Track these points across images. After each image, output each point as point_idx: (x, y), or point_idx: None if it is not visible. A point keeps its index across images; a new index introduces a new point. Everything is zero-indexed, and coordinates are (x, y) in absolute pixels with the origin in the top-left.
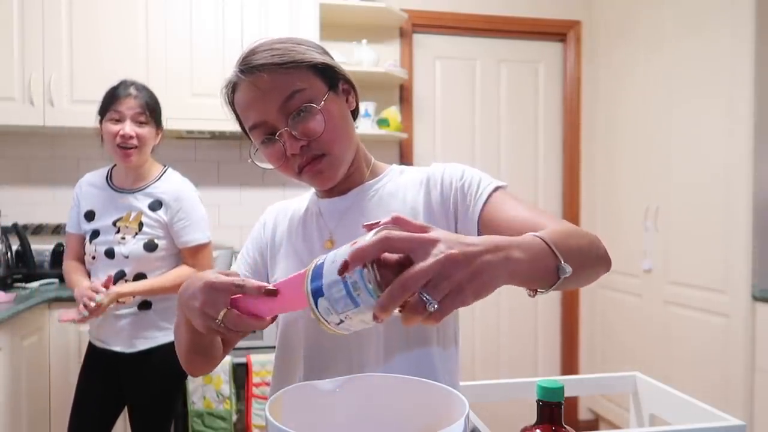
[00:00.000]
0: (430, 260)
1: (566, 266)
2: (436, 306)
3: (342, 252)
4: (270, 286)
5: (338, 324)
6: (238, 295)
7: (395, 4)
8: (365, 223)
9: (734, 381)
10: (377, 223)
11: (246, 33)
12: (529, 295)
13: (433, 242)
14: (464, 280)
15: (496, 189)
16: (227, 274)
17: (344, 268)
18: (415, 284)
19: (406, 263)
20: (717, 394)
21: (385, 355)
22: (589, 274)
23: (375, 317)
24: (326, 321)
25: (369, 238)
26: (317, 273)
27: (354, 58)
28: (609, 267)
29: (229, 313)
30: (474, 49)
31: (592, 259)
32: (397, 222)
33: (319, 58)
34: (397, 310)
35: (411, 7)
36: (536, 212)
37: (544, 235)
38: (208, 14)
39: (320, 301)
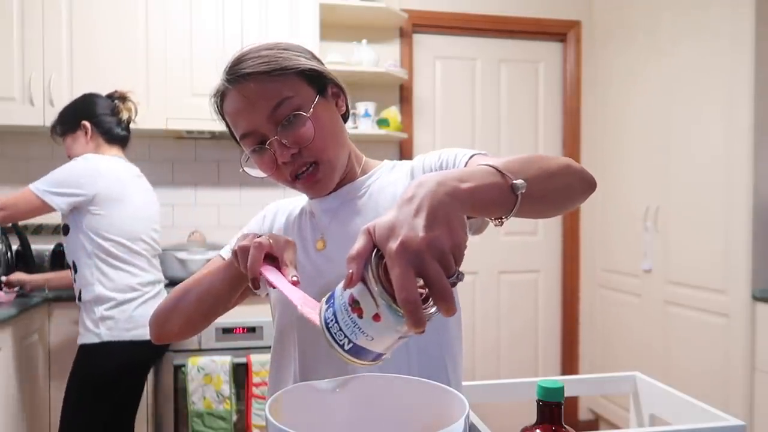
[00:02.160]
0: (427, 264)
1: (519, 182)
2: (461, 276)
3: (369, 327)
4: (296, 277)
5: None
6: (270, 263)
7: (395, 4)
8: (345, 286)
9: (734, 381)
10: (351, 278)
11: (246, 33)
12: (496, 225)
13: (404, 248)
14: (450, 237)
15: (472, 156)
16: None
17: (422, 333)
18: (449, 290)
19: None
20: (717, 394)
21: None
22: (566, 196)
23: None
24: (363, 362)
25: (395, 316)
26: (360, 352)
27: (354, 58)
28: (592, 185)
29: (262, 242)
30: (474, 49)
31: (563, 179)
32: (354, 259)
33: (307, 63)
34: (432, 310)
35: (411, 7)
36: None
37: (490, 161)
38: (208, 14)
39: (384, 357)
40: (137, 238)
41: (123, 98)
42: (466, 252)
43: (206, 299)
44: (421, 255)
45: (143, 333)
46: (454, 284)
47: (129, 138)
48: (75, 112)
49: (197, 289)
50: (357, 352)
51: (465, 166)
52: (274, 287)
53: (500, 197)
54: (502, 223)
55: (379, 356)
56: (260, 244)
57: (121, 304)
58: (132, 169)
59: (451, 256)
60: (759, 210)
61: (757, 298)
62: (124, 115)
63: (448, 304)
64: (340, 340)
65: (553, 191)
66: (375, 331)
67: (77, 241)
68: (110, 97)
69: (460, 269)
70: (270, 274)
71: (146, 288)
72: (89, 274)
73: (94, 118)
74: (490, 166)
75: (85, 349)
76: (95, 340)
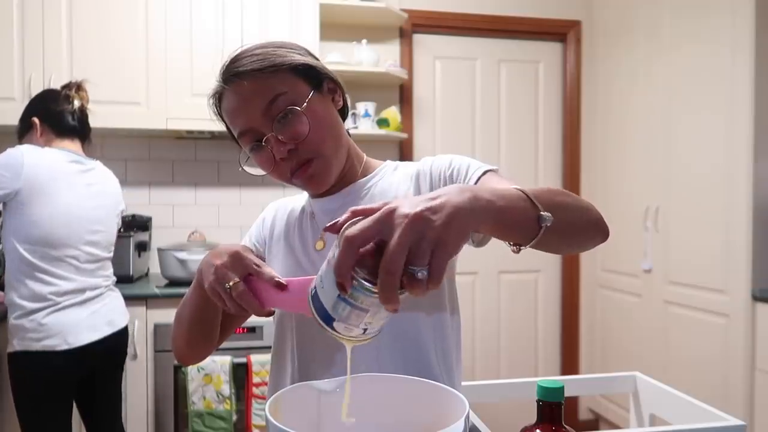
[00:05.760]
0: (398, 232)
1: (547, 215)
2: (424, 272)
3: (325, 273)
4: (281, 280)
5: (364, 332)
6: (252, 276)
7: (395, 4)
8: (325, 227)
9: (734, 381)
10: (335, 223)
11: (246, 33)
12: (513, 251)
13: (392, 212)
14: (440, 231)
15: (486, 173)
16: (255, 255)
17: (342, 289)
18: (396, 265)
19: (383, 244)
20: (717, 394)
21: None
22: (580, 237)
23: (390, 309)
24: (352, 338)
25: (337, 250)
26: (317, 303)
27: (354, 58)
28: (605, 234)
29: (238, 284)
30: (474, 49)
31: (582, 221)
32: (356, 214)
33: (300, 59)
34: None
35: (411, 7)
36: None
37: (521, 187)
38: (208, 14)
39: (336, 325)
40: (61, 244)
41: (78, 87)
42: (467, 255)
43: (196, 322)
44: (399, 224)
45: (57, 343)
46: (411, 277)
47: (85, 130)
48: (26, 112)
49: (185, 321)
50: (315, 301)
51: (477, 181)
52: (272, 310)
53: (524, 224)
54: (520, 250)
55: (329, 319)
56: (243, 293)
57: (30, 312)
58: (80, 163)
59: (430, 248)
60: (759, 210)
61: (757, 298)
62: (76, 104)
63: (388, 286)
64: (311, 290)
65: (572, 231)
66: (326, 277)
67: (5, 241)
68: (65, 87)
69: (433, 272)
70: (275, 302)
71: (62, 297)
72: (8, 280)
73: (42, 112)
74: (521, 191)
75: (8, 357)
76: (10, 349)
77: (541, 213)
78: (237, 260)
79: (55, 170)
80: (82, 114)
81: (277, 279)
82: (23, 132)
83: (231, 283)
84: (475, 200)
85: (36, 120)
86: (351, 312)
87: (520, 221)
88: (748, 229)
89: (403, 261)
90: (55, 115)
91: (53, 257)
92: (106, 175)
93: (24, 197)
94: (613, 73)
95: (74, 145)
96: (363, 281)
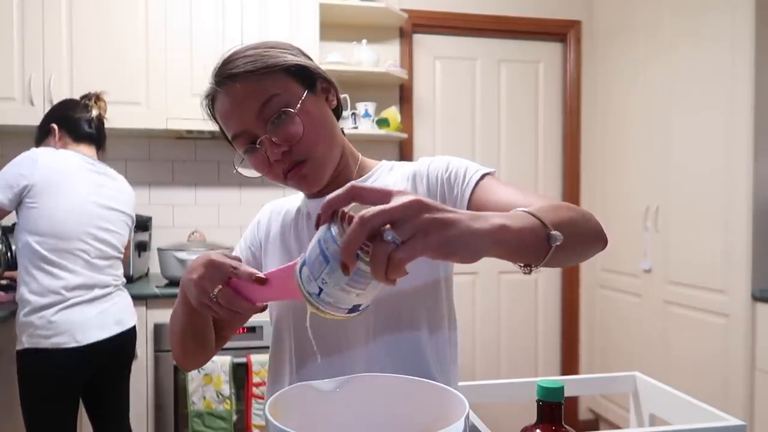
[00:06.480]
0: (393, 203)
1: (557, 234)
2: (389, 236)
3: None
4: (260, 275)
5: (319, 293)
6: (234, 279)
7: (395, 4)
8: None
9: (734, 381)
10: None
11: (246, 33)
12: (525, 273)
13: (401, 192)
14: (430, 224)
15: (484, 176)
16: (230, 257)
17: (317, 220)
18: (372, 220)
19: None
20: (717, 394)
21: (374, 337)
22: (583, 249)
23: (343, 267)
24: (308, 293)
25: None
26: (304, 264)
27: (354, 58)
28: (605, 243)
29: (224, 290)
30: (474, 49)
31: (586, 233)
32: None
33: (293, 59)
34: (366, 266)
35: (411, 7)
36: (527, 193)
37: (529, 208)
38: (208, 14)
39: (303, 270)
40: (71, 236)
41: (97, 98)
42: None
43: (188, 332)
44: (399, 199)
45: (66, 340)
46: (380, 238)
47: (101, 137)
48: (44, 119)
49: (177, 330)
50: (303, 266)
51: (476, 184)
52: (264, 305)
53: (536, 245)
54: (531, 271)
55: (303, 262)
56: (230, 298)
57: (40, 309)
58: (91, 165)
59: (411, 231)
60: (759, 210)
61: (757, 298)
62: (93, 112)
63: (353, 233)
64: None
65: (578, 245)
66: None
67: (18, 238)
68: (84, 97)
69: (404, 251)
70: (262, 296)
71: (72, 293)
72: (20, 275)
73: (60, 118)
74: (531, 214)
75: (17, 354)
76: (19, 346)
77: (551, 232)
78: (214, 268)
79: (66, 170)
80: (99, 123)
81: (256, 275)
82: (41, 138)
83: (216, 291)
84: (488, 225)
85: (54, 126)
86: (317, 257)
87: (532, 243)
88: (748, 229)
89: (380, 222)
90: (73, 121)
91: (62, 249)
92: (121, 183)
93: (36, 192)
94: (613, 73)
95: (89, 150)
96: (339, 231)
